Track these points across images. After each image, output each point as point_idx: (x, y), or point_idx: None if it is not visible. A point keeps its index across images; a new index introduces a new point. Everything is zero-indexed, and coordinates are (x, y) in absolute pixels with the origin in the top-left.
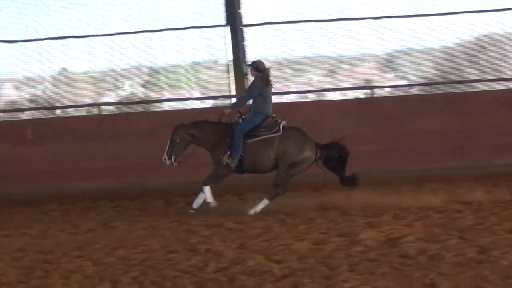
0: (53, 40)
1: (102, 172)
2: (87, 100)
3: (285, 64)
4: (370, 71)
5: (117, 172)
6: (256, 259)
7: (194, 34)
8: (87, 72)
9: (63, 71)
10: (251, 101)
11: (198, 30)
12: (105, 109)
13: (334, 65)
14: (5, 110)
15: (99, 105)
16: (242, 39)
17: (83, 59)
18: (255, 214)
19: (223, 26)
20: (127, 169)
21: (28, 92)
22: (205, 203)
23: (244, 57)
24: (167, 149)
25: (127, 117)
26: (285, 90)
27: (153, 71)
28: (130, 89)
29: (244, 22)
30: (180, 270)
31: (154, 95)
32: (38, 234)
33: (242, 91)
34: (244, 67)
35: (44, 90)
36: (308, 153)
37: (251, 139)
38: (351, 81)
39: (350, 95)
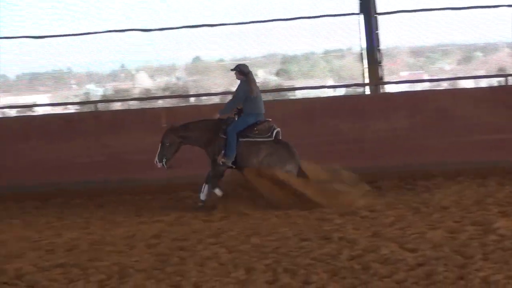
0: (188, 29)
1: None
2: (220, 88)
3: (418, 52)
4: (504, 59)
5: None
6: (390, 248)
7: (328, 22)
8: (220, 60)
9: (197, 59)
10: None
11: (331, 18)
12: None
13: (467, 53)
14: (139, 98)
15: (232, 93)
16: (376, 27)
17: (217, 48)
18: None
19: (357, 14)
20: None
21: (162, 80)
22: (212, 192)
23: (378, 45)
24: (158, 152)
25: None
26: (418, 78)
27: (286, 60)
28: (264, 77)
29: (378, 10)
30: (313, 258)
31: (287, 83)
32: (173, 221)
33: (376, 79)
34: (378, 55)
35: (178, 78)
36: (290, 167)
37: (243, 138)
38: (485, 69)
39: (483, 83)
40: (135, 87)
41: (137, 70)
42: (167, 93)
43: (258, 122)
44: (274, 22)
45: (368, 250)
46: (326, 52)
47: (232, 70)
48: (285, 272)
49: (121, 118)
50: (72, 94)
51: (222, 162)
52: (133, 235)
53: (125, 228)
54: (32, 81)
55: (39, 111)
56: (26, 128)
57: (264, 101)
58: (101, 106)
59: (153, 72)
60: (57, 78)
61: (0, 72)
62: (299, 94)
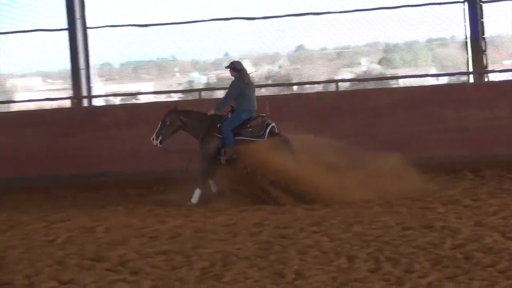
0: (292, 17)
1: None
2: (323, 77)
3: None
4: None
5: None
6: (493, 237)
7: (432, 10)
8: (323, 48)
9: (300, 48)
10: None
11: (436, 7)
12: (341, 86)
13: None
14: None
15: (335, 81)
16: (481, 15)
17: (320, 36)
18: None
19: (462, 2)
20: (361, 145)
21: (265, 68)
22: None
23: (483, 34)
24: (157, 129)
25: (364, 93)
26: None
27: (389, 48)
28: (367, 65)
29: None
30: (416, 246)
31: (390, 72)
32: (275, 209)
33: (480, 68)
34: (483, 43)
35: (280, 66)
36: None
37: (238, 136)
38: None
39: None
40: None
41: (241, 58)
42: (269, 82)
43: (251, 118)
44: (377, 10)
45: (471, 239)
46: (429, 41)
47: (226, 67)
48: (387, 261)
49: None
50: (176, 82)
51: (226, 159)
52: (235, 223)
53: (227, 216)
54: (136, 69)
55: (143, 99)
56: (130, 116)
57: (367, 90)
58: (204, 94)
59: (256, 60)
60: (161, 67)
61: (105, 61)
62: (401, 83)
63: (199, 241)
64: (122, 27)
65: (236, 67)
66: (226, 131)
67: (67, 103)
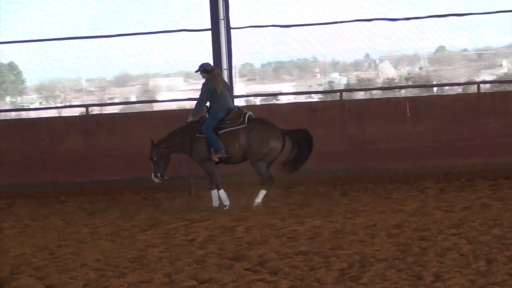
0: (434, 18)
1: (478, 150)
2: (463, 79)
3: None
4: None
5: (493, 150)
6: None
7: None
8: (464, 50)
9: (440, 49)
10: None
11: None
12: (483, 87)
13: None
14: (383, 88)
15: (476, 83)
16: None
17: (461, 37)
18: (258, 205)
19: None
20: (502, 147)
21: (406, 69)
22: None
23: None
24: (153, 169)
25: (506, 95)
26: None
27: None
28: (508, 67)
29: None
30: None
31: None
32: (414, 211)
33: None
34: None
35: (421, 68)
36: (275, 143)
37: (220, 130)
38: None
39: None
40: (379, 76)
41: (381, 60)
42: (409, 83)
43: (228, 113)
44: None
45: None
46: None
47: (196, 71)
48: None
49: (364, 107)
50: (316, 83)
51: (218, 157)
52: (374, 225)
53: (367, 217)
54: (277, 70)
55: (283, 99)
56: (270, 117)
57: (509, 92)
58: (345, 95)
59: (396, 62)
60: (302, 67)
61: (246, 61)
62: None
63: (338, 242)
64: (264, 27)
65: (205, 69)
66: (208, 131)
67: None
